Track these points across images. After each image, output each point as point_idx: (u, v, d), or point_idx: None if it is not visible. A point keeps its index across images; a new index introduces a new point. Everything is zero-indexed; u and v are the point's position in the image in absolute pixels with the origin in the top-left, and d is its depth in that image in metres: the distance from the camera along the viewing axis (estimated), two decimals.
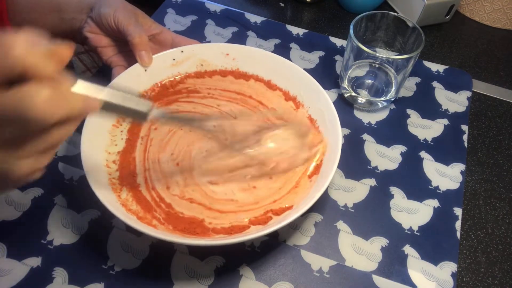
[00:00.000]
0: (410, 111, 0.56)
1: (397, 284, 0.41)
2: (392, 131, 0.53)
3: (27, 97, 0.21)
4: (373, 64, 0.55)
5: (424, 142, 0.52)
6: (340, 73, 0.56)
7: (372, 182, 0.48)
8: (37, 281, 0.39)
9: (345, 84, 0.55)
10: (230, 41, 0.63)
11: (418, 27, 0.50)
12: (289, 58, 0.58)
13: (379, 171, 0.49)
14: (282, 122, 0.48)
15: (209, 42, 0.62)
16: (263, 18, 0.67)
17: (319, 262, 0.42)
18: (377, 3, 0.69)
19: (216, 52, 0.52)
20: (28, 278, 0.39)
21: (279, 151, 0.43)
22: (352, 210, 0.46)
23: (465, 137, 0.53)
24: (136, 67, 0.47)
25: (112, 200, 0.38)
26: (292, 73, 0.49)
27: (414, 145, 0.52)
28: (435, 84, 0.59)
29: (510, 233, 0.46)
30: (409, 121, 0.55)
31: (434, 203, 0.47)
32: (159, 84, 0.50)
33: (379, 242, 0.43)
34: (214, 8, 0.68)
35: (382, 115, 0.55)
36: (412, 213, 0.46)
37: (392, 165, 0.50)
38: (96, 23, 0.48)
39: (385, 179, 0.48)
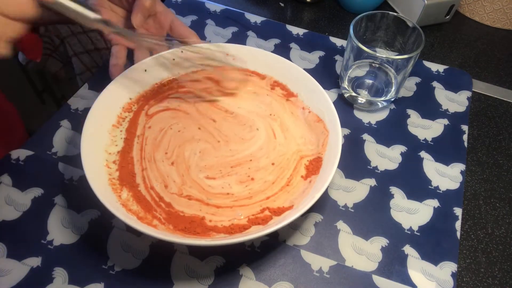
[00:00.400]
0: (410, 111, 0.56)
1: (397, 284, 0.41)
2: (392, 131, 0.53)
3: None
4: (373, 64, 0.55)
5: (424, 142, 0.52)
6: (340, 73, 0.56)
7: (372, 182, 0.48)
8: (37, 281, 0.39)
9: (345, 84, 0.55)
10: (230, 41, 0.63)
11: (418, 27, 0.50)
12: (289, 58, 0.58)
13: (379, 171, 0.49)
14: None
15: (209, 42, 0.62)
16: (263, 18, 0.67)
17: (319, 262, 0.42)
18: (377, 3, 0.69)
19: (216, 52, 0.51)
20: (28, 278, 0.39)
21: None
22: (352, 210, 0.46)
23: (465, 137, 0.53)
24: (136, 67, 0.47)
25: (112, 200, 0.38)
26: (292, 73, 0.49)
27: (414, 145, 0.52)
28: (435, 84, 0.59)
29: (510, 233, 0.46)
30: (409, 121, 0.55)
31: (434, 203, 0.47)
32: (159, 83, 0.50)
33: (379, 242, 0.43)
34: (214, 8, 0.68)
35: (382, 115, 0.55)
36: (412, 213, 0.46)
37: (392, 165, 0.50)
38: None
39: (385, 179, 0.48)
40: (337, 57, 0.62)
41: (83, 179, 0.38)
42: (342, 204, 0.46)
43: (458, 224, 0.45)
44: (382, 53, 0.56)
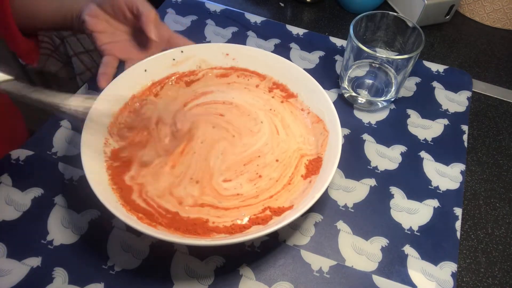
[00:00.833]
0: (410, 111, 0.56)
1: (397, 284, 0.41)
2: (392, 131, 0.53)
3: None
4: (373, 64, 0.55)
5: (424, 142, 0.52)
6: (340, 73, 0.56)
7: (372, 182, 0.48)
8: (37, 281, 0.39)
9: (345, 84, 0.55)
10: (230, 41, 0.63)
11: (418, 27, 0.50)
12: (289, 58, 0.58)
13: (379, 171, 0.49)
14: None
15: (209, 42, 0.62)
16: (263, 18, 0.67)
17: (319, 262, 0.42)
18: (377, 3, 0.69)
19: (216, 52, 0.52)
20: (28, 278, 0.39)
21: None
22: (352, 210, 0.46)
23: (465, 137, 0.53)
24: (136, 67, 0.47)
25: (112, 200, 0.38)
26: (292, 73, 0.49)
27: (414, 145, 0.52)
28: (435, 84, 0.59)
29: (510, 233, 0.46)
30: (409, 121, 0.55)
31: (434, 203, 0.47)
32: (158, 83, 0.50)
33: (379, 242, 0.43)
34: (214, 8, 0.68)
35: (382, 115, 0.55)
36: (412, 213, 0.46)
37: (392, 165, 0.50)
38: (100, 6, 0.47)
39: (385, 179, 0.48)
40: (337, 57, 0.62)
41: (83, 179, 0.38)
42: (342, 204, 0.46)
43: (458, 224, 0.45)
44: (382, 53, 0.56)
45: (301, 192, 0.42)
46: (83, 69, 0.86)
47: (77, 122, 0.51)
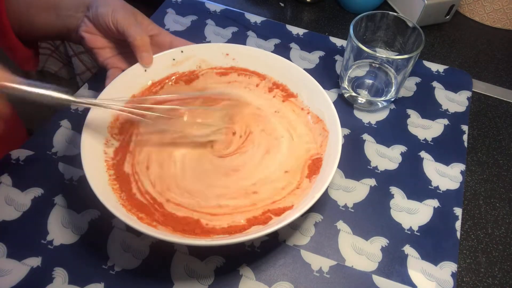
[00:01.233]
0: (410, 111, 0.56)
1: (397, 284, 0.41)
2: (392, 131, 0.53)
3: None
4: (373, 64, 0.55)
5: (424, 142, 0.52)
6: (340, 73, 0.56)
7: (372, 182, 0.48)
8: (37, 281, 0.39)
9: (345, 84, 0.55)
10: (230, 41, 0.63)
11: (418, 27, 0.50)
12: (289, 58, 0.58)
13: (379, 171, 0.49)
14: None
15: (209, 42, 0.62)
16: (263, 18, 0.67)
17: (319, 262, 0.42)
18: (377, 3, 0.69)
19: (216, 52, 0.52)
20: (28, 278, 0.39)
21: None
22: (352, 210, 0.46)
23: (465, 137, 0.53)
24: (136, 67, 0.47)
25: (112, 200, 0.38)
26: (292, 73, 0.49)
27: (414, 145, 0.52)
28: (435, 84, 0.59)
29: (510, 233, 0.46)
30: (409, 121, 0.55)
31: (434, 203, 0.47)
32: (158, 83, 0.50)
33: (379, 242, 0.43)
34: (214, 8, 0.68)
35: (382, 115, 0.55)
36: (412, 213, 0.46)
37: (392, 165, 0.50)
38: (93, 23, 0.47)
39: (385, 179, 0.48)
40: (337, 57, 0.62)
41: (83, 179, 0.38)
42: (342, 204, 0.46)
43: (458, 224, 0.45)
44: (382, 53, 0.56)
45: (301, 192, 0.42)
46: (83, 69, 0.86)
47: (77, 122, 0.51)
